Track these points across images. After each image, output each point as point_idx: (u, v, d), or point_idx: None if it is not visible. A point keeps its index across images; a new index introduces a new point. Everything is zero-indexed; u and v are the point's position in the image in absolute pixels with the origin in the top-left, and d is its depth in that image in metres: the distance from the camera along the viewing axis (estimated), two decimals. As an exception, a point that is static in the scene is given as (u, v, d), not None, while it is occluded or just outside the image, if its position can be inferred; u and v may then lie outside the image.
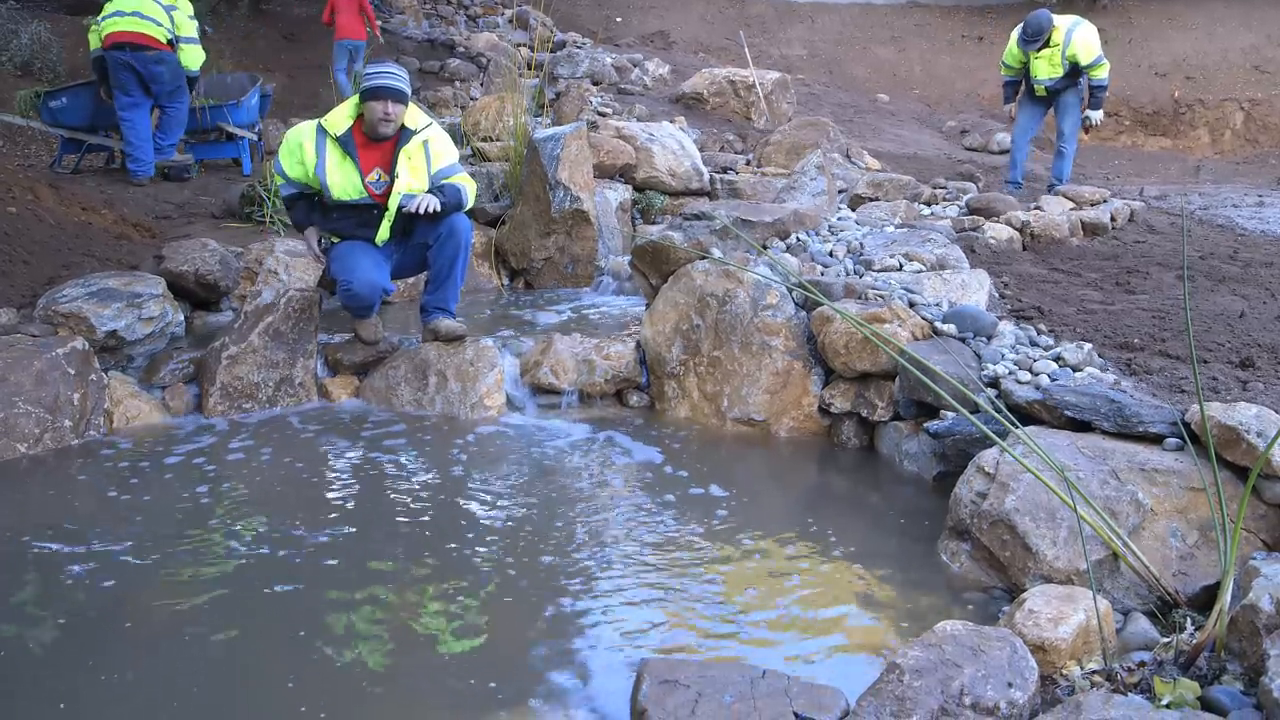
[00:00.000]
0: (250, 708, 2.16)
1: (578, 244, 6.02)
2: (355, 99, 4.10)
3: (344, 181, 4.08)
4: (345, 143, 4.05)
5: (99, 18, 6.85)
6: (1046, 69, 6.86)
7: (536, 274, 6.09)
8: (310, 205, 4.26)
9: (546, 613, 2.57)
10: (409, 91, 4.10)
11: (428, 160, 4.18)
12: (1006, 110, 7.63)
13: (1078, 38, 6.64)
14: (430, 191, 4.14)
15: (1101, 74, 6.80)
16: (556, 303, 5.70)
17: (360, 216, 4.16)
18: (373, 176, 4.11)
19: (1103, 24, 15.37)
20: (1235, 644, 2.08)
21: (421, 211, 4.04)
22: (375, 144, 4.10)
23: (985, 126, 12.29)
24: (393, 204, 4.11)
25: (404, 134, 4.11)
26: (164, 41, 6.87)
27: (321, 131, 4.07)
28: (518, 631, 2.48)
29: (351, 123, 4.08)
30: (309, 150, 4.06)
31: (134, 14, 6.74)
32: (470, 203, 4.29)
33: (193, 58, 7.07)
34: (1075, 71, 6.86)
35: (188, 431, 3.84)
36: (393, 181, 4.11)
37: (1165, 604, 2.45)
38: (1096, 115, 7.02)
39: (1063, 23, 6.70)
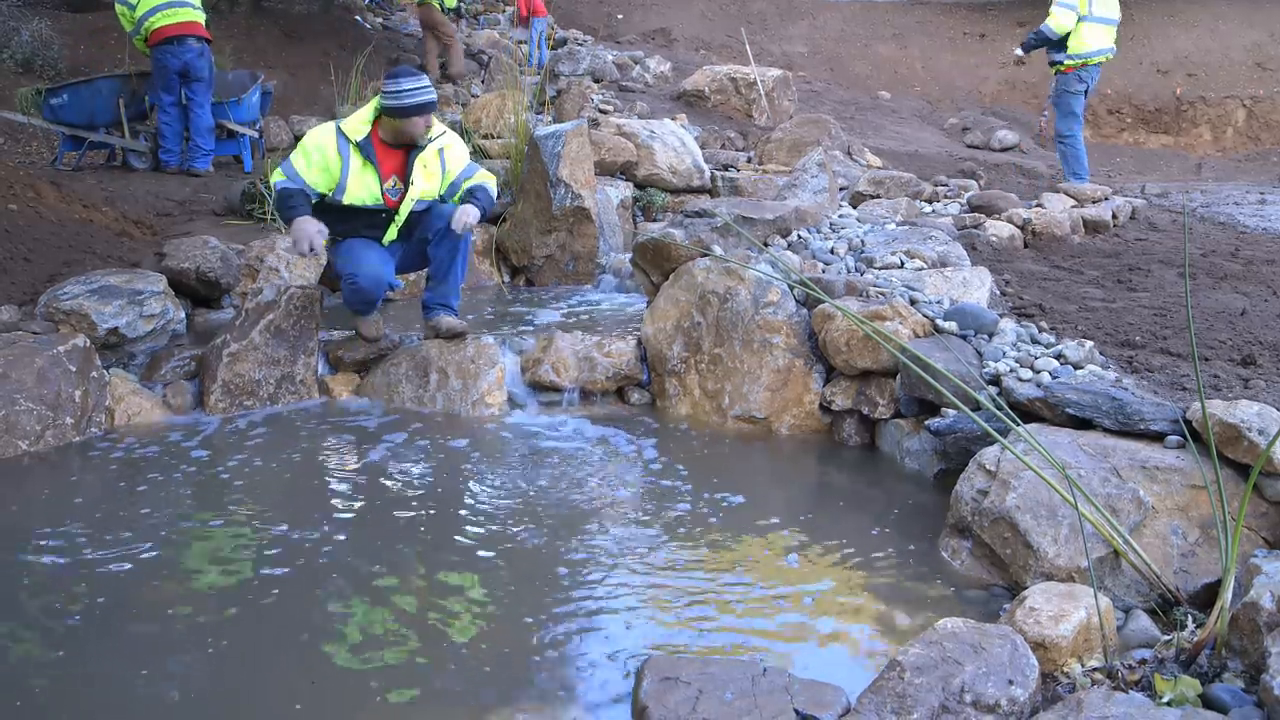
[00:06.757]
0: (251, 706, 2.16)
1: (579, 241, 6.02)
2: (374, 103, 4.06)
3: (362, 188, 4.07)
4: (365, 149, 4.02)
5: (138, 15, 6.73)
6: None
7: (537, 271, 6.09)
8: (308, 200, 4.08)
9: (547, 610, 2.57)
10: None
11: (442, 167, 4.21)
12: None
13: None
14: (464, 201, 4.16)
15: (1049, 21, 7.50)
16: (557, 300, 5.71)
17: (368, 219, 4.16)
18: (390, 184, 4.11)
19: (1104, 21, 15.38)
20: (1236, 641, 2.08)
21: (462, 230, 4.06)
22: (392, 150, 4.10)
23: (987, 124, 12.27)
24: (404, 210, 4.12)
25: None
26: (204, 25, 6.89)
27: (342, 136, 4.03)
28: (518, 629, 2.48)
29: (369, 128, 4.04)
30: (332, 156, 4.00)
31: (171, 3, 6.68)
32: (496, 197, 4.36)
33: None
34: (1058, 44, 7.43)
35: (189, 429, 3.84)
36: (407, 188, 4.11)
37: (1166, 602, 2.45)
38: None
39: None
